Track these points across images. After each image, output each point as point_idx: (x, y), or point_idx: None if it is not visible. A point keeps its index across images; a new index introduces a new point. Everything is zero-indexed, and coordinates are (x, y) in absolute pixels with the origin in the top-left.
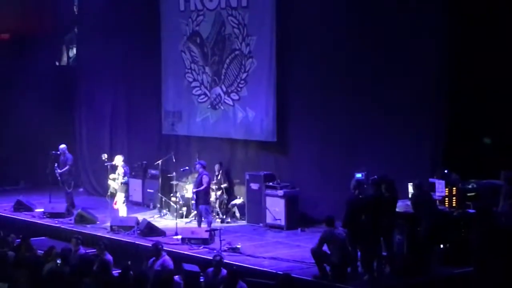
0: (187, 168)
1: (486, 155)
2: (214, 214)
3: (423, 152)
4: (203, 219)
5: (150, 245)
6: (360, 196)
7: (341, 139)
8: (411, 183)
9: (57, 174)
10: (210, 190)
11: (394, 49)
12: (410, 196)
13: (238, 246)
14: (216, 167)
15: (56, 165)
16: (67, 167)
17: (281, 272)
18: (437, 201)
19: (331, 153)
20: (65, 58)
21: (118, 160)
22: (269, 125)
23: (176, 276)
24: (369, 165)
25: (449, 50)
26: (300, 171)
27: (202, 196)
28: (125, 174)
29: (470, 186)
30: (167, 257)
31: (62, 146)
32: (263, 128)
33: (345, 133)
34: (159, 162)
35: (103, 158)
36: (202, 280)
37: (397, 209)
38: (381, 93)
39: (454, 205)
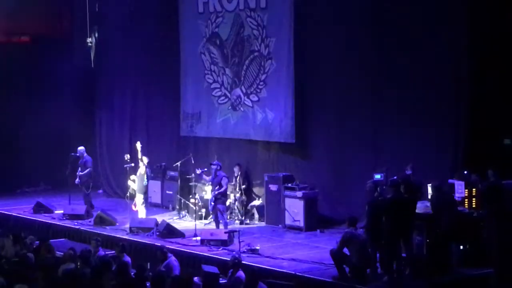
0: (205, 169)
1: (506, 156)
2: (233, 215)
3: (443, 153)
4: (220, 220)
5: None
6: (380, 198)
7: (360, 140)
8: (430, 185)
9: (77, 176)
10: (229, 192)
11: (416, 50)
12: (429, 197)
13: (257, 248)
14: (236, 168)
15: (79, 169)
16: (87, 170)
17: (299, 273)
18: (457, 202)
19: (350, 154)
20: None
21: (145, 161)
22: (288, 126)
23: (196, 278)
24: (389, 166)
25: (471, 51)
26: (319, 172)
27: (220, 197)
28: (146, 176)
29: None
30: (172, 258)
31: (81, 148)
32: (282, 129)
33: (365, 134)
34: (178, 163)
35: (126, 159)
36: (221, 281)
37: (416, 210)
38: (401, 94)
39: (474, 206)
